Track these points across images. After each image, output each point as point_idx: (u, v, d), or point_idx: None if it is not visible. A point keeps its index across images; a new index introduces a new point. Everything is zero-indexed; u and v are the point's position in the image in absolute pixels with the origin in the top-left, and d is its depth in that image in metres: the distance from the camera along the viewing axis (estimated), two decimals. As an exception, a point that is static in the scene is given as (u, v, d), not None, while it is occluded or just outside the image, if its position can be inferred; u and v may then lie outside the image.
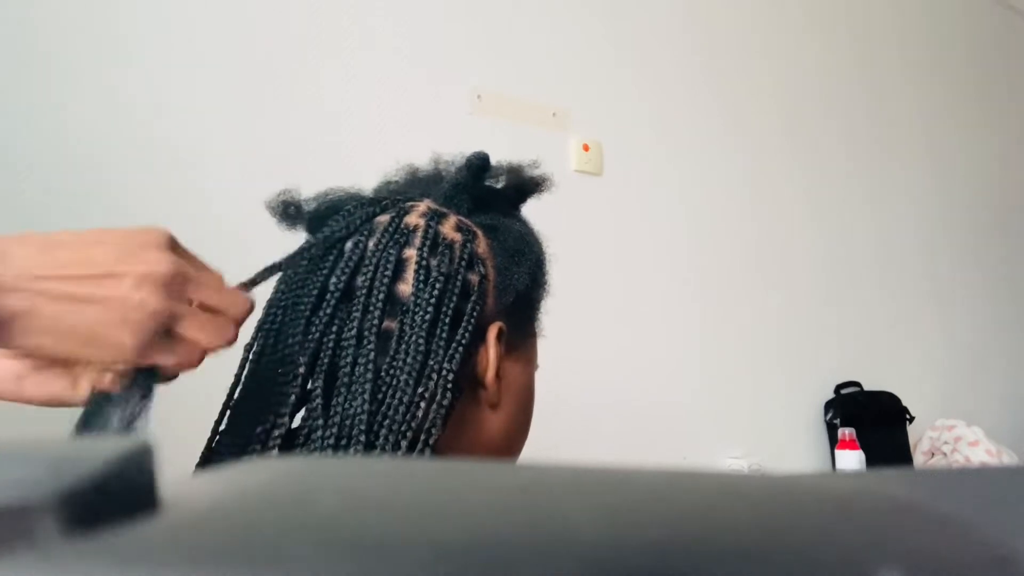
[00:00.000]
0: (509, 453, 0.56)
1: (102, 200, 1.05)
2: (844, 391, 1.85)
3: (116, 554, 0.11)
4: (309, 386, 0.48)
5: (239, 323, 0.44)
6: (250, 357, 0.51)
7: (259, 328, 0.52)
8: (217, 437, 0.50)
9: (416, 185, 0.59)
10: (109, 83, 1.07)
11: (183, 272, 0.40)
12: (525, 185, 0.60)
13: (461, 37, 1.41)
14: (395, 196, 0.56)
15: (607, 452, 1.39)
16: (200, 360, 0.43)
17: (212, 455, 0.49)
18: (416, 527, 0.12)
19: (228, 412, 0.50)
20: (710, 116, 1.75)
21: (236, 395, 0.50)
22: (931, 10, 2.36)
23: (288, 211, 0.56)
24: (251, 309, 0.45)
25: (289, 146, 1.20)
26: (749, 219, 1.78)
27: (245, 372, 0.51)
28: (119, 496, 0.13)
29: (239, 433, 0.48)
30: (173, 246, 0.41)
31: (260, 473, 0.16)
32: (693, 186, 1.70)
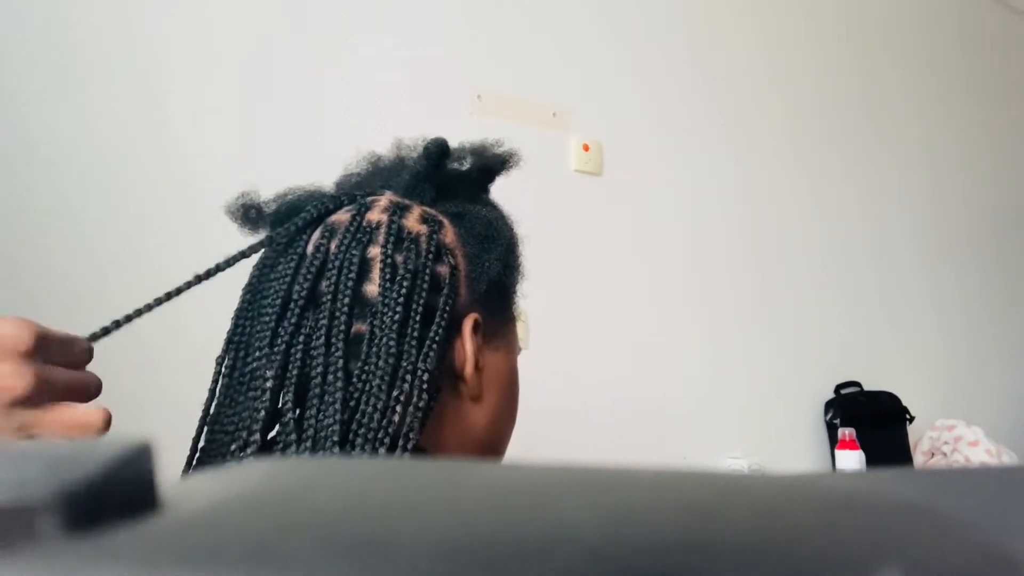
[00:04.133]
0: (497, 443, 0.54)
1: (103, 197, 1.05)
2: (844, 391, 1.85)
3: (116, 554, 0.11)
4: (282, 399, 0.46)
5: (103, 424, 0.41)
6: (222, 371, 0.49)
7: (228, 341, 0.50)
8: (196, 454, 0.48)
9: (379, 175, 0.57)
10: (110, 82, 1.07)
11: (39, 385, 0.38)
12: (491, 164, 0.58)
13: (461, 37, 1.41)
14: (355, 192, 0.53)
15: (607, 452, 1.39)
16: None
17: (192, 471, 0.48)
18: (416, 527, 0.12)
19: (205, 428, 0.49)
20: (710, 116, 1.75)
21: (212, 410, 0.49)
22: (929, 10, 2.36)
23: (249, 214, 0.54)
24: (97, 392, 0.42)
25: (288, 147, 1.20)
26: (749, 219, 1.78)
27: (218, 387, 0.49)
28: (119, 496, 0.13)
29: (215, 451, 0.47)
30: (35, 345, 0.38)
31: (260, 473, 0.16)
32: (693, 186, 1.70)
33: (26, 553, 0.11)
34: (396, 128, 1.30)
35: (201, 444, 0.48)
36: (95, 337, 0.45)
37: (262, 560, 0.11)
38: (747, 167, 1.80)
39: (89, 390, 0.42)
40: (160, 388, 0.96)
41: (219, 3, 1.17)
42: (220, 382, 0.49)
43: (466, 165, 0.57)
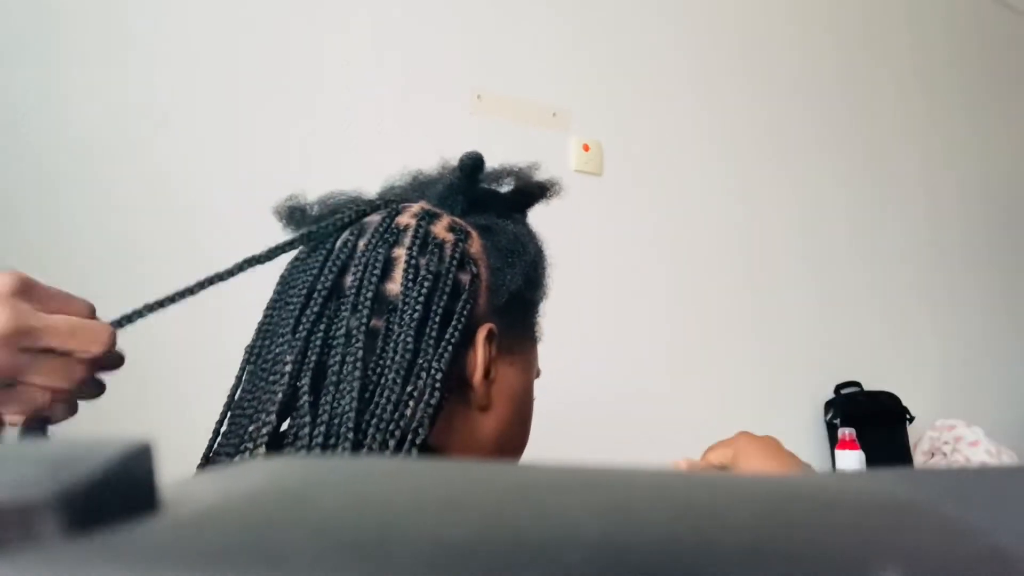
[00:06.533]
0: (504, 457, 0.55)
1: (98, 197, 1.05)
2: (844, 391, 1.85)
3: (116, 554, 0.11)
4: (299, 384, 0.47)
5: (94, 361, 0.43)
6: (249, 358, 0.51)
7: (258, 329, 0.52)
8: (218, 438, 0.50)
9: (418, 188, 0.59)
10: (108, 83, 1.07)
11: (23, 326, 0.39)
12: (530, 190, 0.60)
13: (461, 37, 1.41)
14: (391, 198, 0.56)
15: (607, 452, 1.39)
16: (63, 406, 0.43)
17: (212, 456, 0.50)
18: (416, 527, 0.12)
19: (229, 413, 0.51)
20: (710, 116, 1.75)
21: (236, 396, 0.51)
22: (927, 9, 2.36)
23: (294, 216, 0.56)
24: (110, 342, 0.43)
25: (288, 147, 1.20)
26: (749, 219, 1.78)
27: (244, 373, 0.51)
28: (119, 496, 0.13)
29: (235, 434, 0.48)
30: (23, 291, 0.40)
31: (260, 473, 0.16)
32: (693, 186, 1.70)
33: (26, 553, 0.11)
34: (396, 128, 1.31)
35: (223, 429, 0.50)
36: (121, 323, 0.46)
37: (262, 560, 0.11)
38: (747, 167, 1.80)
39: (98, 337, 0.42)
40: (172, 388, 0.96)
41: (216, 2, 1.17)
42: (246, 369, 0.51)
43: (505, 187, 0.59)
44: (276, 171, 1.16)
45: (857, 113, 2.08)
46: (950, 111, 2.36)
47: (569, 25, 1.55)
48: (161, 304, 0.48)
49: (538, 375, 0.59)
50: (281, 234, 0.56)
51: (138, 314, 0.47)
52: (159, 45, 1.12)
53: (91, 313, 0.44)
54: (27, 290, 0.40)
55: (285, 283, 0.53)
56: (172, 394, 0.94)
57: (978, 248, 2.35)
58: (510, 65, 1.46)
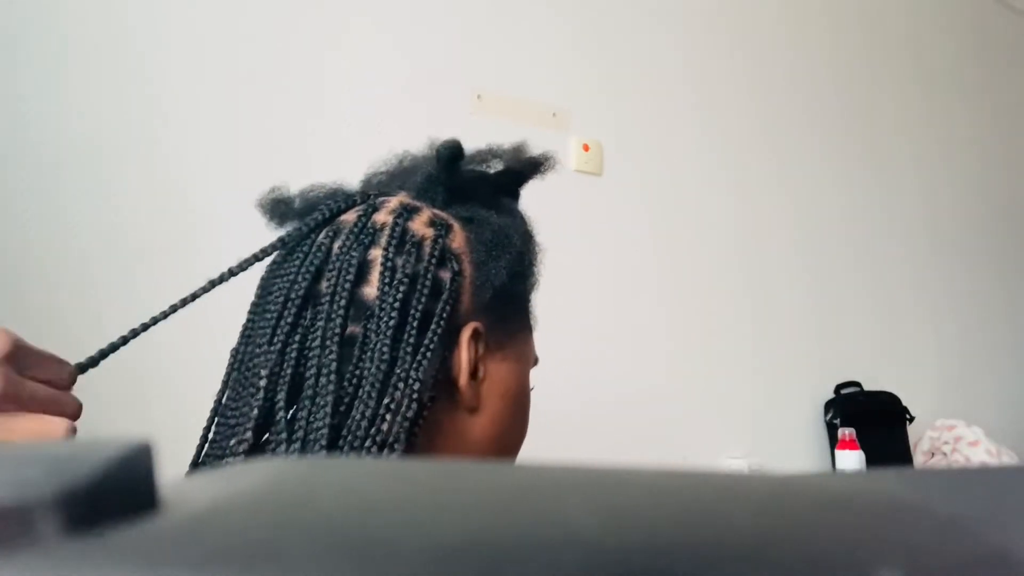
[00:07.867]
0: (500, 455, 0.52)
1: (96, 197, 1.05)
2: (844, 391, 1.85)
3: (116, 554, 0.11)
4: (275, 400, 0.45)
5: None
6: (234, 363, 0.49)
7: (241, 333, 0.50)
8: (207, 444, 0.48)
9: (402, 175, 0.56)
10: (109, 84, 1.07)
11: (6, 391, 0.39)
12: (520, 168, 0.56)
13: (461, 37, 1.41)
14: (371, 191, 0.53)
15: (607, 452, 1.39)
16: None
17: (200, 462, 0.48)
18: (416, 527, 0.12)
19: (216, 419, 0.49)
20: (710, 116, 1.75)
21: (223, 401, 0.49)
22: (926, 8, 2.35)
23: (277, 209, 0.54)
24: (76, 415, 0.43)
25: (288, 146, 1.20)
26: (749, 218, 1.78)
27: (229, 378, 0.49)
28: (119, 496, 0.13)
29: (219, 444, 0.47)
30: (12, 354, 0.39)
31: (260, 473, 0.16)
32: (693, 186, 1.70)
33: (26, 553, 0.11)
34: (396, 128, 1.31)
35: (210, 436, 0.49)
36: (84, 367, 0.45)
37: (262, 560, 0.11)
38: (747, 167, 1.80)
39: (64, 410, 0.42)
40: (169, 386, 0.96)
41: (217, 3, 1.17)
42: (231, 374, 0.49)
43: (492, 168, 0.56)
44: (276, 171, 1.16)
45: (856, 114, 2.08)
46: (949, 112, 2.36)
47: (569, 25, 1.55)
48: (136, 334, 0.47)
49: (536, 363, 0.56)
50: (276, 233, 0.55)
51: (103, 354, 0.46)
52: (160, 46, 1.12)
53: (72, 378, 0.44)
54: (16, 353, 0.40)
55: (264, 287, 0.50)
56: (171, 394, 0.94)
57: (977, 248, 2.34)
58: (510, 65, 1.46)
